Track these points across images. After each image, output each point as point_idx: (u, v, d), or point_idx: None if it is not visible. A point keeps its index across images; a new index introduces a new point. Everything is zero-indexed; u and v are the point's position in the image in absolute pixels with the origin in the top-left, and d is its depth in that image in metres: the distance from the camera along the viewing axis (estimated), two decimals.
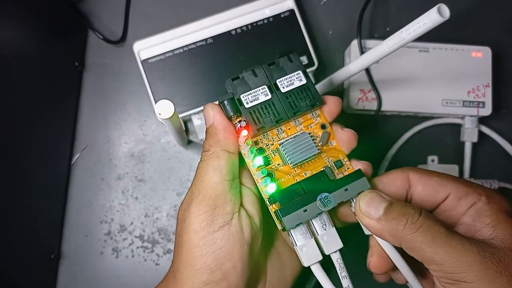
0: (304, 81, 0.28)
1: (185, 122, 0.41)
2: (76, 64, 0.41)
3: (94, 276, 0.39)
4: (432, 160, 0.42)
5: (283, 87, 0.28)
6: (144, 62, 0.39)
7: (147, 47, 0.39)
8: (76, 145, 0.41)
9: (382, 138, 0.43)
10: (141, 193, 0.41)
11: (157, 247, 0.40)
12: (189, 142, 0.41)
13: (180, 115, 0.38)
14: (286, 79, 0.28)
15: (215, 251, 0.25)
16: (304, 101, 0.28)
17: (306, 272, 0.31)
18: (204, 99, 0.38)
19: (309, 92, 0.28)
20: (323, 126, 0.29)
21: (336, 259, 0.27)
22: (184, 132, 0.38)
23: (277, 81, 0.28)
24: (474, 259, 0.22)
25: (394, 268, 0.27)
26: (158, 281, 0.28)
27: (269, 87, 0.28)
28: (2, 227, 0.31)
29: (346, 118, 0.42)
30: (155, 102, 0.37)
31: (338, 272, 0.26)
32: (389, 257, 0.27)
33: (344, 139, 0.28)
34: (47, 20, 0.38)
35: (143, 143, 0.42)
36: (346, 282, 0.26)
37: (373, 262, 0.27)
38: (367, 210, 0.25)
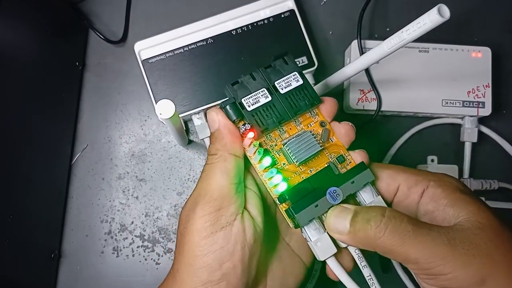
0: (301, 82, 0.28)
1: (186, 122, 0.41)
2: (77, 64, 0.42)
3: (95, 275, 0.39)
4: (432, 160, 0.42)
5: (282, 88, 0.28)
6: (144, 62, 0.39)
7: (148, 47, 0.39)
8: (76, 145, 0.41)
9: (382, 138, 0.43)
10: (141, 192, 0.41)
11: (158, 246, 0.40)
12: (190, 142, 0.41)
13: (180, 115, 0.38)
14: (283, 80, 0.28)
15: (216, 250, 0.25)
16: (303, 100, 0.28)
17: (307, 272, 0.31)
18: (204, 99, 0.38)
19: (307, 92, 0.28)
20: (322, 124, 0.29)
21: (354, 250, 0.27)
22: (185, 132, 0.38)
23: (275, 83, 0.28)
24: (446, 250, 0.22)
25: None
26: (158, 281, 0.28)
27: (268, 89, 0.28)
28: (2, 227, 0.31)
29: (346, 118, 0.42)
30: (156, 102, 0.37)
31: (358, 262, 0.26)
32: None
33: (342, 132, 0.29)
34: (47, 20, 0.38)
35: (144, 142, 0.42)
36: (367, 271, 0.26)
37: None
38: (336, 226, 0.25)
